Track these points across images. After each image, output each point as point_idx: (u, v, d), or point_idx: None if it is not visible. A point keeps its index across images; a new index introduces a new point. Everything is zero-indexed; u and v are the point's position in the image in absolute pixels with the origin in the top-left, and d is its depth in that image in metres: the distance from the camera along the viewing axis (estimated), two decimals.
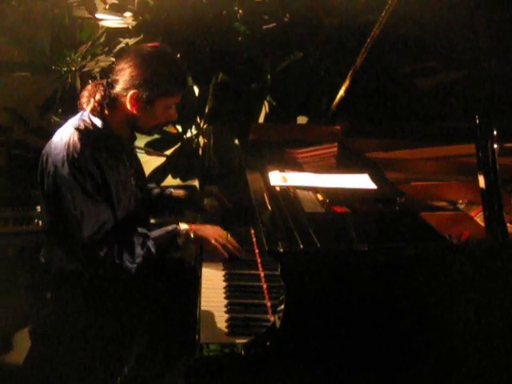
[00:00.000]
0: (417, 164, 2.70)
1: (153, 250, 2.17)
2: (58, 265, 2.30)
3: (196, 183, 3.89)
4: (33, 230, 3.14)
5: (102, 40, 3.59)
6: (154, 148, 3.79)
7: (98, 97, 2.24)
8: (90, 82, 2.37)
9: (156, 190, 2.71)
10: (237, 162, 3.61)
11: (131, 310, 2.27)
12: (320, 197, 2.04)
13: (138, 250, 2.15)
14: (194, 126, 3.91)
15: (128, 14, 3.51)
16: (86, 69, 3.48)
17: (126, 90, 2.18)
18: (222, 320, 1.82)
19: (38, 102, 3.67)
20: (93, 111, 2.25)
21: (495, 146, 1.75)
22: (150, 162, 3.76)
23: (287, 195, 2.00)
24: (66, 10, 3.52)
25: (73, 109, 3.37)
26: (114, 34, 3.58)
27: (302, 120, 3.78)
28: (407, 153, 2.82)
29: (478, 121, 1.78)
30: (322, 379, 1.56)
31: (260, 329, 1.76)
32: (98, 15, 3.49)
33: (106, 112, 2.24)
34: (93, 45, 3.54)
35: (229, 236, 2.29)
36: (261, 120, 3.83)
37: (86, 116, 2.27)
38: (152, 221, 2.78)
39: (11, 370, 2.68)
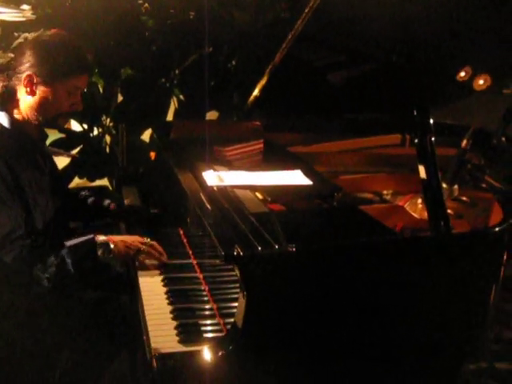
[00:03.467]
0: (337, 157, 2.76)
1: (68, 260, 2.03)
2: None
3: (105, 183, 3.77)
4: None
5: None
6: (58, 147, 3.61)
7: None
8: None
9: (90, 199, 2.59)
10: (149, 160, 3.51)
11: (56, 324, 2.14)
12: (259, 195, 2.02)
13: (51, 259, 2.01)
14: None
15: (26, 7, 3.32)
16: None
17: (22, 73, 2.07)
18: (170, 327, 1.77)
19: None
20: None
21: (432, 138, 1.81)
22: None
23: (227, 196, 1.97)
24: None
25: None
26: (11, 27, 3.37)
27: (212, 115, 3.74)
28: (326, 146, 2.87)
29: (415, 113, 1.81)
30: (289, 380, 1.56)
31: (212, 333, 1.73)
32: None
33: (9, 107, 2.11)
34: None
35: (149, 241, 2.19)
36: (170, 116, 3.76)
37: None
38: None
39: None
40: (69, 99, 2.16)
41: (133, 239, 2.19)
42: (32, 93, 2.09)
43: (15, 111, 2.14)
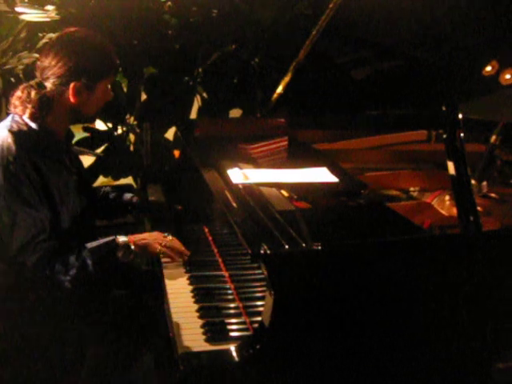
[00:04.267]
0: (362, 154, 2.74)
1: (89, 261, 2.02)
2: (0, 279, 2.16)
3: (130, 181, 3.78)
4: None
5: (22, 35, 3.39)
6: (83, 146, 3.63)
7: (33, 101, 2.08)
8: (19, 84, 2.22)
9: (112, 194, 2.59)
10: (173, 158, 3.52)
11: (82, 321, 2.15)
12: (285, 193, 2.01)
13: (72, 261, 2.01)
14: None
15: (50, 8, 3.33)
16: (7, 66, 3.27)
17: (65, 84, 2.07)
18: (196, 326, 1.76)
19: None
20: (31, 117, 2.10)
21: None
22: None
23: (253, 193, 1.95)
24: None
25: None
26: (36, 28, 3.39)
27: (236, 113, 3.74)
28: (351, 143, 2.85)
29: (445, 109, 1.78)
30: (317, 380, 1.54)
31: (238, 332, 1.72)
32: (18, 9, 3.28)
33: (44, 114, 2.10)
34: (13, 40, 3.34)
35: (170, 237, 2.18)
36: (193, 114, 3.76)
37: (18, 117, 2.12)
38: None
39: None
40: (105, 96, 2.19)
41: (154, 237, 2.17)
42: (76, 100, 2.09)
43: (48, 116, 2.11)
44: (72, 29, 2.18)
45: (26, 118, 2.10)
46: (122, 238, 2.10)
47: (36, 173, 2.04)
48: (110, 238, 2.11)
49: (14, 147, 2.02)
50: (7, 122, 2.13)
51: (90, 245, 2.08)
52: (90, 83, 2.09)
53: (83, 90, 2.09)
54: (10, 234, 1.99)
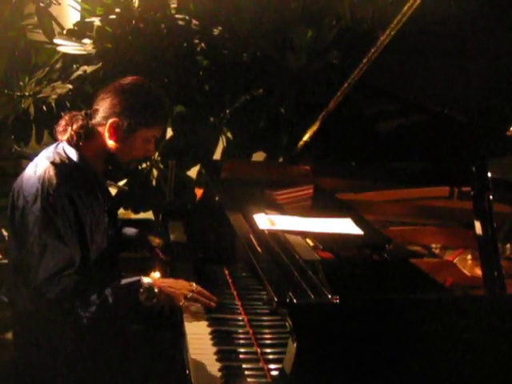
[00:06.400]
0: (385, 206, 2.75)
1: (110, 300, 2.00)
2: (22, 305, 2.17)
3: (149, 216, 3.81)
4: None
5: (58, 66, 3.48)
6: (106, 178, 3.66)
7: (75, 126, 2.15)
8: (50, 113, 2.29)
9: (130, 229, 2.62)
10: (194, 197, 3.55)
11: (99, 354, 2.15)
12: (310, 242, 2.02)
13: (94, 299, 1.99)
14: None
15: (87, 41, 3.42)
16: (41, 95, 3.36)
17: (106, 118, 2.12)
18: (214, 369, 1.75)
19: None
20: (69, 141, 2.15)
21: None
22: None
23: (279, 240, 1.97)
24: (22, 32, 3.40)
25: (27, 136, 3.26)
26: (71, 60, 3.48)
27: (259, 156, 3.78)
28: (374, 195, 2.86)
29: (474, 168, 1.80)
30: None
31: (255, 378, 1.71)
32: (56, 40, 3.38)
33: (82, 143, 2.15)
34: (49, 70, 3.42)
35: (195, 286, 2.10)
36: (217, 154, 3.80)
37: (60, 148, 2.17)
38: None
39: None
40: (145, 147, 2.20)
41: (180, 287, 2.09)
42: (113, 137, 2.13)
43: (85, 146, 2.16)
44: (135, 77, 2.22)
45: (66, 146, 2.15)
46: (146, 280, 2.04)
47: (72, 208, 2.06)
48: (135, 278, 2.06)
49: (54, 180, 2.05)
50: (49, 152, 2.18)
51: (113, 284, 2.05)
52: (130, 125, 2.11)
53: (120, 130, 2.11)
54: (38, 263, 1.99)
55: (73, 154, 2.15)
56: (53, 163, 2.10)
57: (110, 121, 2.11)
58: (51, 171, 2.07)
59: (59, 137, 2.20)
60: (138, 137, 2.16)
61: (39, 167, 2.11)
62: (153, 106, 2.15)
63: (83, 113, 2.18)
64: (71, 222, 2.05)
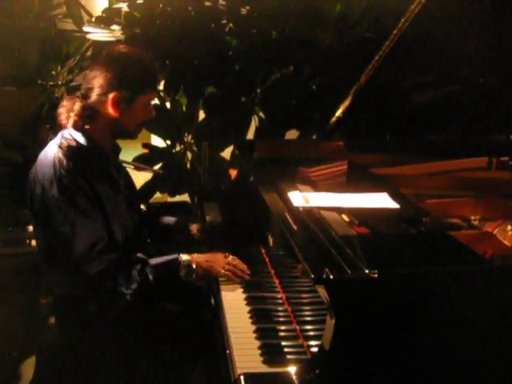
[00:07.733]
0: (422, 180, 2.70)
1: (150, 277, 2.08)
2: (60, 291, 2.22)
3: (186, 198, 3.83)
4: (24, 252, 3.02)
5: (89, 53, 3.50)
6: (142, 163, 3.70)
7: (76, 110, 2.17)
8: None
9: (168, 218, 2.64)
10: (228, 178, 3.55)
11: (139, 334, 2.18)
12: (346, 218, 2.00)
13: (135, 276, 2.06)
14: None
15: (115, 27, 3.43)
16: (73, 83, 3.39)
17: (105, 94, 2.13)
18: (254, 347, 1.77)
19: (19, 116, 3.55)
20: (75, 126, 2.18)
21: None
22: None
23: (314, 217, 1.96)
24: (52, 22, 3.43)
25: None
26: (102, 47, 3.49)
27: (292, 134, 3.75)
28: (411, 168, 2.81)
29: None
30: None
31: (295, 355, 1.72)
32: (85, 28, 3.40)
33: (87, 126, 2.18)
34: (80, 58, 3.45)
35: (231, 258, 2.20)
36: (250, 134, 3.79)
37: (66, 133, 2.20)
38: None
39: None
40: (145, 111, 2.23)
41: (217, 259, 2.19)
42: (117, 111, 2.15)
43: (91, 128, 2.19)
44: (120, 46, 2.25)
45: (72, 131, 2.17)
46: (184, 257, 2.14)
47: (89, 185, 2.10)
48: (173, 256, 2.14)
49: (65, 161, 2.10)
50: (57, 138, 2.21)
51: (153, 261, 2.12)
52: (130, 95, 2.14)
53: (122, 102, 2.14)
54: (72, 244, 2.04)
55: (79, 137, 2.18)
56: (60, 147, 2.14)
57: (111, 95, 2.12)
58: (60, 154, 2.12)
59: (64, 123, 2.22)
60: (138, 104, 2.18)
61: (49, 153, 2.15)
62: (144, 70, 2.18)
63: (80, 94, 2.19)
64: (90, 197, 2.09)
